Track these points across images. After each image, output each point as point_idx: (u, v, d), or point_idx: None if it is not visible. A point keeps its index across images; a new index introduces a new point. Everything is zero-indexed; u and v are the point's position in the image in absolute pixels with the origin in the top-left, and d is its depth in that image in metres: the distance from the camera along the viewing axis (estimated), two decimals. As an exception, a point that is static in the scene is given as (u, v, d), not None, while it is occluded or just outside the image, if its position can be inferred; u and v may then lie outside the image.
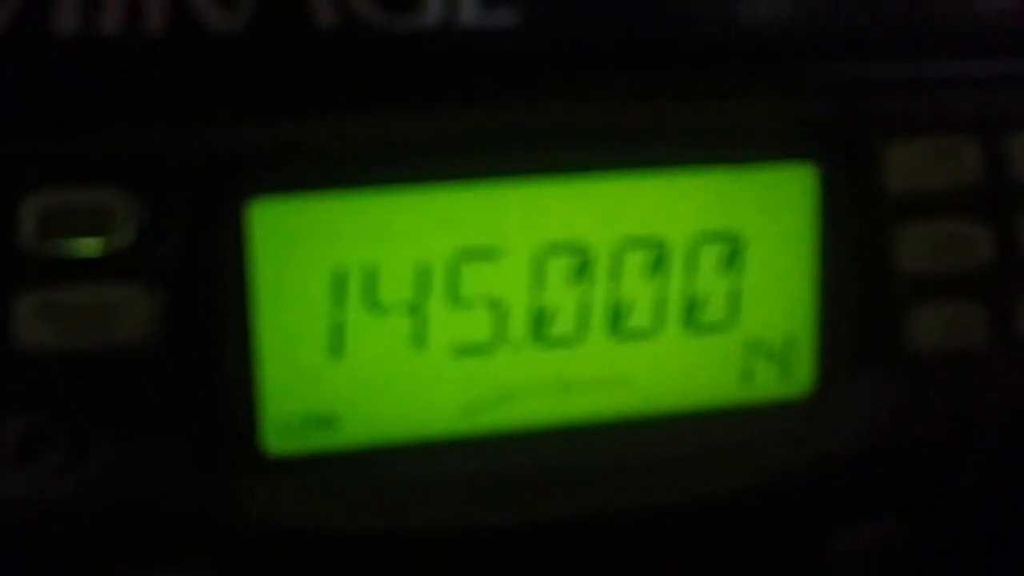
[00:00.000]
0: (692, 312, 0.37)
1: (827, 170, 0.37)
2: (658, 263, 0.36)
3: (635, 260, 0.36)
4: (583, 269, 0.36)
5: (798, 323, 0.38)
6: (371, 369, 0.35)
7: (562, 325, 0.36)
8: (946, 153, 0.37)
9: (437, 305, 0.35)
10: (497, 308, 0.36)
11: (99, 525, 0.33)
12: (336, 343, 0.35)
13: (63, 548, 0.34)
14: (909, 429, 0.38)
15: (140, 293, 0.33)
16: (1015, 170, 0.38)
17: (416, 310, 0.35)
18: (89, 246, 0.32)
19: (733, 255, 0.37)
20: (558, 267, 0.36)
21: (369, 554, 0.35)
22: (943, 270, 0.38)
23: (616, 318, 0.36)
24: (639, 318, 0.37)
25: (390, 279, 0.35)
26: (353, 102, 0.34)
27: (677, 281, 0.37)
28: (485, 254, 0.35)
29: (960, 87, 0.38)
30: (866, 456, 0.38)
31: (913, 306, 0.38)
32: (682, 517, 0.37)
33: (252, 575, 0.34)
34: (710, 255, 0.37)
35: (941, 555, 0.39)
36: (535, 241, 0.35)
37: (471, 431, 0.36)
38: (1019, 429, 0.39)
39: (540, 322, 0.36)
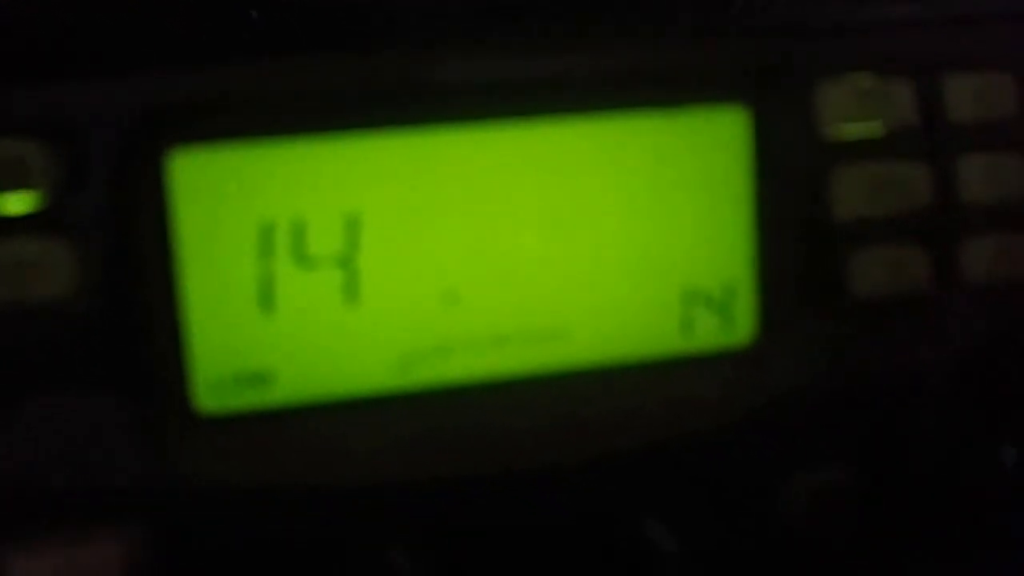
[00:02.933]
0: (629, 261, 0.37)
1: (760, 112, 0.36)
2: (591, 211, 0.36)
3: (568, 208, 0.36)
4: (518, 218, 0.35)
5: (737, 270, 0.37)
6: (303, 324, 0.35)
7: (497, 276, 0.36)
8: (881, 94, 0.37)
9: (368, 257, 0.35)
10: (430, 259, 0.35)
11: (29, 483, 0.33)
12: (266, 298, 0.34)
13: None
14: (853, 375, 0.38)
15: (62, 248, 0.32)
16: (952, 111, 0.38)
17: (347, 263, 0.35)
18: (8, 202, 0.32)
19: (668, 201, 0.36)
20: (493, 216, 0.35)
21: (304, 512, 0.34)
22: (882, 213, 0.37)
23: (551, 269, 0.36)
24: (574, 268, 0.36)
25: (319, 231, 0.34)
26: (275, 50, 0.33)
27: (611, 229, 0.36)
28: (416, 204, 0.35)
29: (894, 27, 0.38)
30: (810, 403, 0.37)
31: (853, 250, 0.37)
32: (626, 470, 0.37)
33: (184, 534, 0.34)
34: (645, 201, 0.36)
35: (889, 499, 0.38)
36: (466, 190, 0.35)
37: (406, 386, 0.35)
38: (964, 372, 0.38)
39: (474, 273, 0.35)
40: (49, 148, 0.32)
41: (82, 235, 0.32)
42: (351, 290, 0.35)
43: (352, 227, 0.34)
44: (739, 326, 0.38)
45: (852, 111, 0.37)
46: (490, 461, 0.36)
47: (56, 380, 0.33)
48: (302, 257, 0.34)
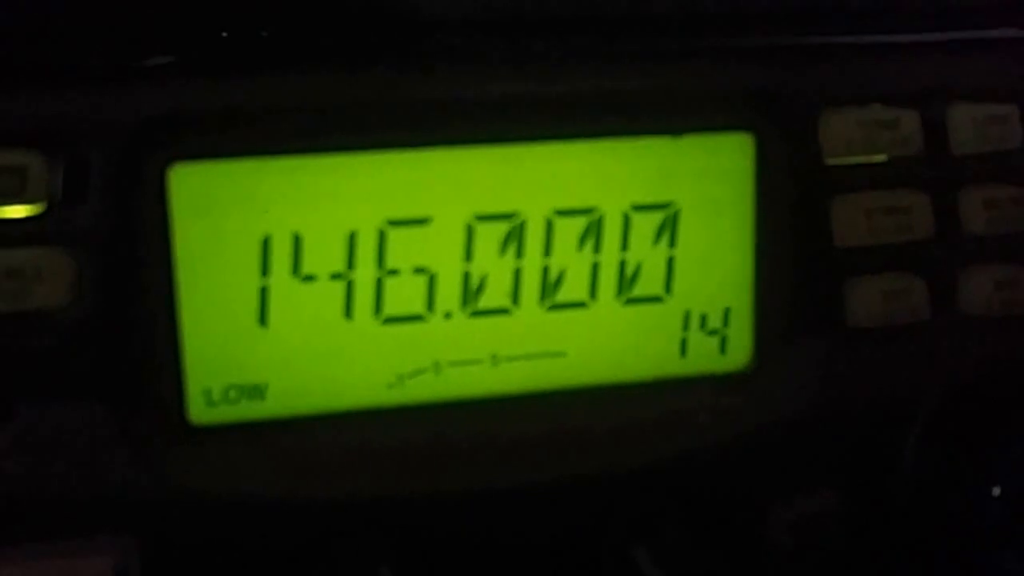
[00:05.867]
0: (627, 283, 0.37)
1: (764, 140, 0.36)
2: (592, 233, 0.36)
3: (568, 230, 0.36)
4: (515, 238, 0.35)
5: (735, 295, 0.37)
6: (298, 338, 0.35)
7: (493, 295, 0.36)
8: (885, 124, 0.37)
9: (365, 273, 0.35)
10: (427, 277, 0.35)
11: (22, 491, 0.33)
12: (262, 311, 0.34)
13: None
14: (846, 402, 0.38)
15: (60, 257, 0.32)
16: (955, 141, 0.38)
17: (344, 278, 0.35)
18: (8, 210, 0.32)
19: (668, 225, 0.36)
20: (489, 236, 0.35)
21: (295, 524, 0.35)
22: (881, 242, 0.37)
23: (549, 289, 0.36)
24: (573, 289, 0.36)
25: (317, 247, 0.34)
26: (279, 65, 0.33)
27: (611, 252, 0.36)
28: (415, 222, 0.35)
29: (899, 58, 0.37)
30: (803, 428, 0.38)
31: (851, 278, 0.37)
32: (616, 489, 0.37)
33: (176, 545, 0.34)
34: (645, 225, 0.36)
35: (877, 526, 0.38)
36: (466, 209, 0.35)
37: (400, 401, 0.35)
38: (956, 401, 0.38)
39: (471, 291, 0.35)
40: (49, 159, 0.32)
41: (80, 245, 0.32)
42: (348, 305, 0.35)
43: (350, 243, 0.34)
44: (735, 351, 0.38)
45: (855, 139, 0.37)
46: (482, 477, 0.36)
47: (50, 389, 0.33)
48: (300, 272, 0.34)
